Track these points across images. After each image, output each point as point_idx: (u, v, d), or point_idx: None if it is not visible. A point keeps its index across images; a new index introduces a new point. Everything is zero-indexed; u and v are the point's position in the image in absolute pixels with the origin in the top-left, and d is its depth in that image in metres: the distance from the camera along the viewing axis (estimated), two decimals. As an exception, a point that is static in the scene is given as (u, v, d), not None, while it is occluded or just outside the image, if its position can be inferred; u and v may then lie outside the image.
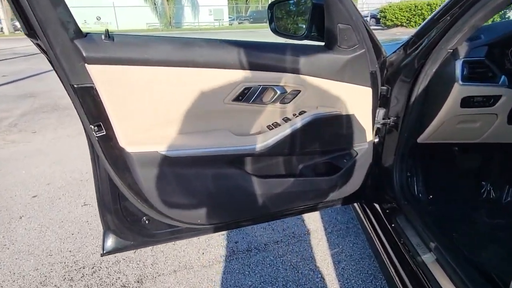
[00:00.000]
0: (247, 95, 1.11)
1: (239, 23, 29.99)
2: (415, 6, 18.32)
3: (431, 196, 1.60)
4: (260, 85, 1.11)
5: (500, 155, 1.76)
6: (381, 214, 1.52)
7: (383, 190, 1.54)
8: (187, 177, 1.14)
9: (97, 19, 25.81)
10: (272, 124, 1.21)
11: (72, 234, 2.05)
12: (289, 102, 1.19)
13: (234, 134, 1.15)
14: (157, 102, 1.02)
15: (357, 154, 1.34)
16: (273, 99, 1.15)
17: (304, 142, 1.22)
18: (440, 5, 1.18)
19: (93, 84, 0.95)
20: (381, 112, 1.38)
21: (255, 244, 1.92)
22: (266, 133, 1.17)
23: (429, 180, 1.64)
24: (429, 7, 17.48)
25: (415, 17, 18.40)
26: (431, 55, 1.23)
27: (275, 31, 1.40)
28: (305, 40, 1.29)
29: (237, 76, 1.08)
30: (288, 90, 1.16)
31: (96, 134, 1.01)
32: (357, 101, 1.26)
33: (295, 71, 1.14)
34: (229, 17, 31.10)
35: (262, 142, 1.15)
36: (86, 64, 0.91)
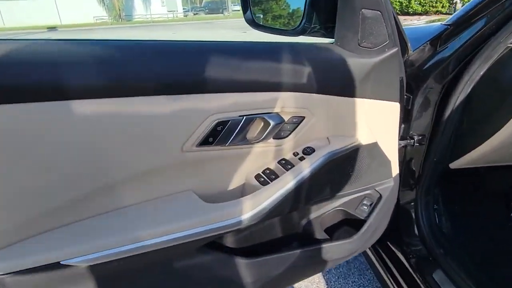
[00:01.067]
0: (221, 134, 0.66)
1: (194, 14, 28.69)
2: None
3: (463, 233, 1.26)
4: (243, 116, 0.67)
5: None
6: (405, 262, 1.16)
7: (403, 230, 1.18)
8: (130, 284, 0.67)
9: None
10: (263, 173, 0.76)
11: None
12: (287, 136, 0.76)
13: (202, 200, 0.69)
14: (55, 162, 0.54)
15: (381, 196, 0.94)
16: (263, 135, 0.71)
17: (312, 193, 0.80)
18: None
19: None
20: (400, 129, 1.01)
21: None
22: (257, 193, 0.72)
23: (458, 210, 1.29)
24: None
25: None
26: (480, 51, 0.87)
27: (253, 22, 0.95)
28: (301, 37, 0.86)
29: (204, 104, 0.62)
30: (286, 117, 0.73)
31: None
32: (381, 123, 0.86)
33: (297, 87, 0.71)
34: (184, 8, 29.74)
35: (253, 209, 0.70)
36: None
